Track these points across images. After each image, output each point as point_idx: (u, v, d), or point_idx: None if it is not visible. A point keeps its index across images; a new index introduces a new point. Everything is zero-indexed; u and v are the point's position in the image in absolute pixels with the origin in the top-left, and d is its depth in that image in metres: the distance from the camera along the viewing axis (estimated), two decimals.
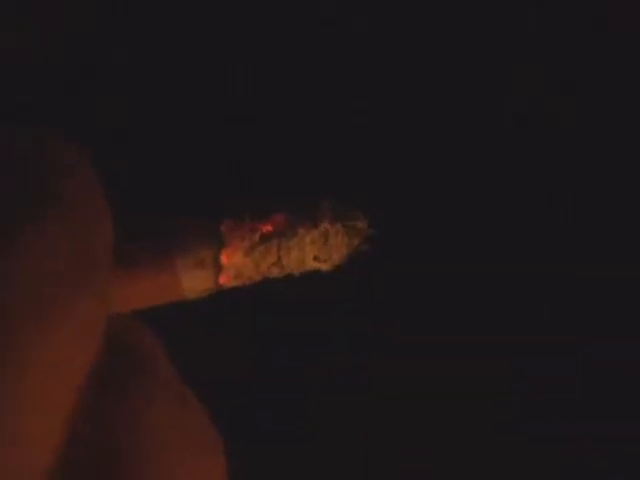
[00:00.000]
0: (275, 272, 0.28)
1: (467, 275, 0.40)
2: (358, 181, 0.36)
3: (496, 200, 0.40)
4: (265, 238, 0.27)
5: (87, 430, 0.22)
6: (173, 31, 0.38)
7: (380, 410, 0.40)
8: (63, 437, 0.20)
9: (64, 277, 0.20)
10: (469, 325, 0.40)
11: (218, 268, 0.27)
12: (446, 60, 0.40)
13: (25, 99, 0.35)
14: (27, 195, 0.21)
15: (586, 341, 0.40)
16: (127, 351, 0.25)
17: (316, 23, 0.40)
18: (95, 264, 0.21)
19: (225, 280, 0.27)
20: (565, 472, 0.40)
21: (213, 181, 0.33)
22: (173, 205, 0.35)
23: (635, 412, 0.40)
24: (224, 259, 0.27)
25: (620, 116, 0.40)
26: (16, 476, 0.19)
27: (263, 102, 0.39)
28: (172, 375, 0.25)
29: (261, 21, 0.39)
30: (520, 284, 0.40)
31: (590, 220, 0.40)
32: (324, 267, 0.28)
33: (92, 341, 0.21)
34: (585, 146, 0.41)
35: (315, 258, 0.28)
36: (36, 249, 0.20)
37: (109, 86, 0.39)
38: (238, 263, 0.27)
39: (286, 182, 0.36)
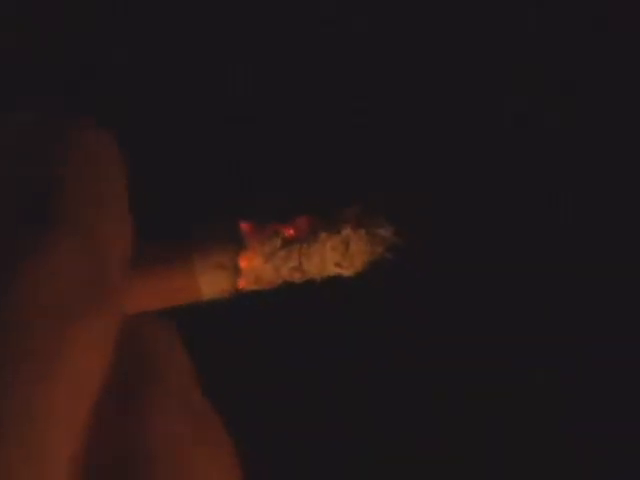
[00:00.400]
0: (296, 277, 0.27)
1: (467, 276, 0.40)
2: (355, 177, 0.36)
3: (496, 200, 0.40)
4: (286, 242, 0.27)
5: (100, 439, 0.22)
6: (173, 31, 0.37)
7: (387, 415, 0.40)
8: (80, 448, 0.20)
9: (79, 294, 0.20)
10: (470, 326, 0.40)
11: (237, 272, 0.27)
12: (446, 60, 0.40)
13: (25, 99, 0.35)
14: (40, 209, 0.21)
15: (588, 341, 0.40)
16: (137, 359, 0.25)
17: (316, 23, 0.39)
18: (110, 280, 0.21)
19: (244, 284, 0.27)
20: (565, 472, 0.41)
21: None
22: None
23: (635, 412, 0.40)
24: (243, 263, 0.27)
25: (620, 116, 0.40)
26: None
27: (263, 102, 0.39)
28: (184, 381, 0.25)
29: (261, 21, 0.39)
30: (520, 284, 0.40)
31: (591, 220, 0.40)
32: (346, 273, 0.28)
33: (106, 354, 0.21)
34: (585, 146, 0.41)
35: (336, 264, 0.27)
36: (51, 265, 0.20)
37: (109, 86, 0.39)
38: (258, 267, 0.27)
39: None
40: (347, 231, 0.27)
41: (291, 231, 0.27)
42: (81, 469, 0.21)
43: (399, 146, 0.40)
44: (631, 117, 0.40)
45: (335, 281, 0.27)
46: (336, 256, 0.27)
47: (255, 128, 0.40)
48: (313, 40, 0.39)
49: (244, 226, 0.27)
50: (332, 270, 0.27)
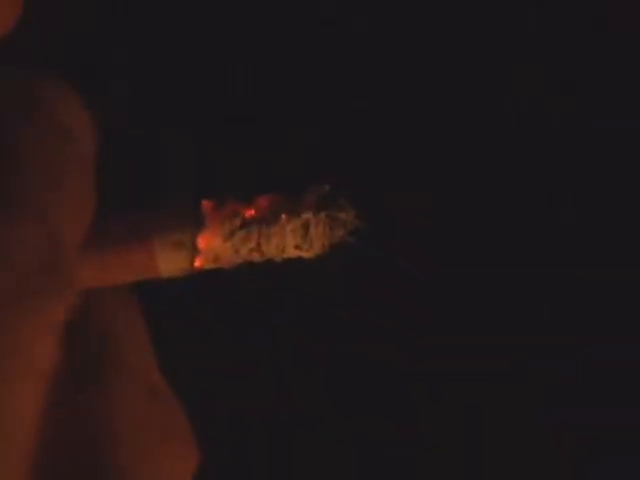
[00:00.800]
0: (255, 257, 0.28)
1: (463, 275, 0.40)
2: (355, 177, 0.36)
3: (495, 200, 0.40)
4: (246, 223, 0.27)
5: (60, 423, 0.22)
6: (173, 31, 0.38)
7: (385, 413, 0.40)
8: (36, 431, 0.20)
9: (31, 280, 0.20)
10: (470, 325, 0.40)
11: (196, 250, 0.27)
12: (446, 60, 0.40)
13: None
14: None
15: (588, 342, 0.40)
16: (96, 339, 0.25)
17: (316, 23, 0.40)
18: (63, 264, 0.21)
19: (202, 263, 0.27)
20: (564, 472, 0.40)
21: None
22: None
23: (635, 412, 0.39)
24: (202, 242, 0.27)
25: (620, 116, 0.40)
26: None
27: (262, 102, 0.39)
28: (144, 362, 0.26)
29: (261, 21, 0.39)
30: (520, 285, 0.40)
31: (592, 221, 0.40)
32: (305, 255, 0.28)
33: (59, 337, 0.21)
34: (585, 146, 0.40)
35: (296, 247, 0.28)
36: (3, 244, 0.20)
37: (109, 86, 0.39)
38: (217, 247, 0.27)
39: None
40: (308, 214, 0.27)
41: (252, 211, 0.27)
42: (42, 453, 0.21)
43: (398, 145, 0.40)
44: (631, 117, 0.40)
45: (296, 263, 0.28)
46: (296, 238, 0.27)
47: (255, 127, 0.40)
48: (313, 40, 0.40)
49: (204, 204, 0.28)
50: (291, 252, 0.28)
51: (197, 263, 0.27)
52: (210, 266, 0.28)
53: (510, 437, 0.40)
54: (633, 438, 0.40)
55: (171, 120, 0.40)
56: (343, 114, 0.40)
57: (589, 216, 0.40)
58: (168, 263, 0.27)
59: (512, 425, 0.40)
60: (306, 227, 0.27)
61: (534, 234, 0.40)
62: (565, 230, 0.40)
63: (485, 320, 0.40)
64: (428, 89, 0.40)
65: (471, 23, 0.41)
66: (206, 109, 0.40)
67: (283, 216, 0.27)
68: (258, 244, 0.27)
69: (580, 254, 0.40)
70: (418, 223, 0.37)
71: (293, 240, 0.27)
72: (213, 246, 0.27)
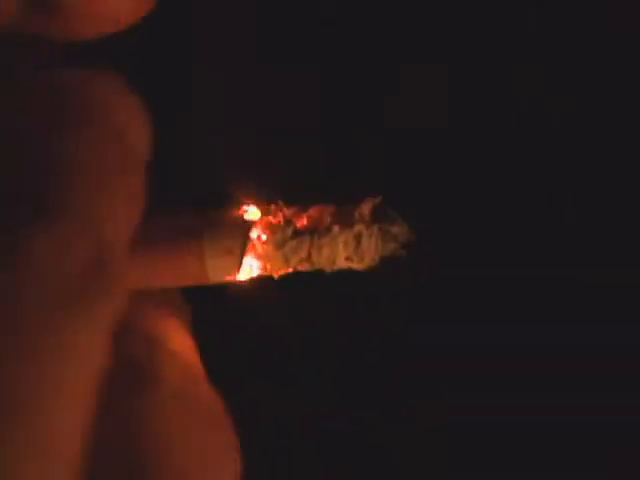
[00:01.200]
0: (305, 267, 0.27)
1: (463, 275, 0.40)
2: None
3: (495, 201, 0.40)
4: (298, 233, 0.27)
5: (102, 432, 0.21)
6: (173, 31, 0.37)
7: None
8: (88, 436, 0.20)
9: (76, 282, 0.20)
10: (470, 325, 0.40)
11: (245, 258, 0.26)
12: (446, 60, 0.40)
13: None
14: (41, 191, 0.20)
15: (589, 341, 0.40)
16: (133, 347, 0.25)
17: (316, 23, 0.39)
18: (110, 265, 0.21)
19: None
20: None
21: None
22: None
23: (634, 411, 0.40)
24: (253, 250, 0.27)
25: (620, 116, 0.40)
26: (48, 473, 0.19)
27: (263, 101, 0.38)
28: (187, 376, 0.25)
29: (261, 21, 0.38)
30: (520, 285, 0.40)
31: (592, 221, 0.40)
32: (356, 267, 0.27)
33: (107, 339, 0.20)
34: (585, 146, 0.40)
35: (347, 258, 0.27)
36: (43, 253, 0.19)
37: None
38: (267, 255, 0.27)
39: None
40: (360, 226, 0.27)
41: (304, 221, 0.27)
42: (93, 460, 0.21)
43: (398, 145, 0.39)
44: (632, 117, 0.40)
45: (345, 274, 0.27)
46: (347, 250, 0.27)
47: (256, 127, 0.39)
48: (313, 40, 0.39)
49: (256, 212, 0.27)
50: (342, 263, 0.27)
51: None
52: (259, 274, 0.27)
53: (511, 437, 0.40)
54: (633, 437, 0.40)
55: (173, 119, 0.39)
56: (343, 114, 0.40)
57: (589, 216, 0.40)
58: (218, 269, 0.26)
59: (512, 425, 0.40)
60: (358, 239, 0.27)
61: (534, 234, 0.40)
62: (565, 230, 0.40)
63: (485, 320, 0.40)
64: (428, 89, 0.40)
65: (471, 23, 0.40)
66: (206, 109, 0.39)
67: (335, 227, 0.27)
68: (309, 254, 0.27)
69: (580, 254, 0.40)
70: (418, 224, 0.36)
71: (345, 252, 0.27)
72: (263, 254, 0.27)
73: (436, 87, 0.40)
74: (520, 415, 0.39)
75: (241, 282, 0.27)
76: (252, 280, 0.27)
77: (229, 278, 0.27)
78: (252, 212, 0.27)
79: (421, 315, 0.39)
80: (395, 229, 0.27)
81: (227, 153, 0.35)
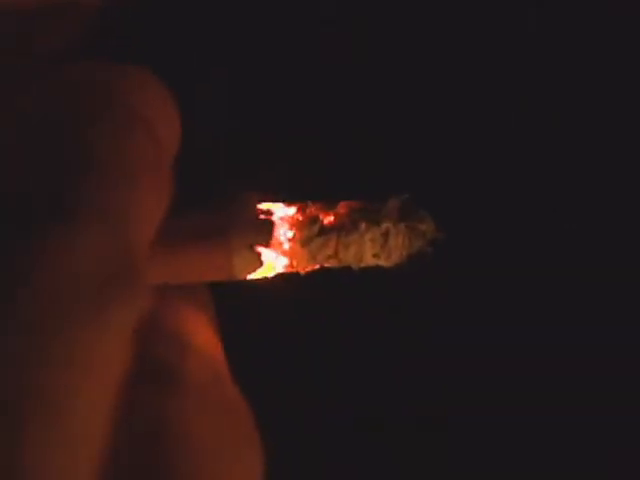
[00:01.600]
0: (332, 264, 0.27)
1: (463, 275, 0.39)
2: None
3: (496, 201, 0.39)
4: (325, 230, 0.27)
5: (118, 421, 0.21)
6: (173, 31, 0.37)
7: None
8: (107, 438, 0.20)
9: (101, 281, 0.19)
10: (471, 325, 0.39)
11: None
12: (446, 60, 0.39)
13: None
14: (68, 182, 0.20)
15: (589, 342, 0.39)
16: (156, 344, 0.25)
17: (316, 23, 0.39)
18: (135, 265, 0.20)
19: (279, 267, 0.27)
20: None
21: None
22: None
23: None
24: (280, 246, 0.27)
25: (621, 116, 0.39)
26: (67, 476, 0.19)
27: (262, 101, 0.38)
28: (208, 375, 0.25)
29: (261, 21, 0.39)
30: (521, 285, 0.39)
31: (593, 222, 0.39)
32: (383, 264, 0.27)
33: (125, 340, 0.20)
34: (585, 146, 0.40)
35: (374, 256, 0.27)
36: (67, 253, 0.19)
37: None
38: (294, 252, 0.27)
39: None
40: (387, 224, 0.27)
41: (331, 218, 0.27)
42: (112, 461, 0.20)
43: (398, 145, 0.39)
44: (632, 117, 0.39)
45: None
46: (375, 248, 0.27)
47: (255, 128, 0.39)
48: (313, 40, 0.39)
49: (284, 209, 0.27)
50: (369, 261, 0.27)
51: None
52: (285, 271, 0.27)
53: (511, 437, 0.39)
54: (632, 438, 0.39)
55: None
56: (342, 114, 0.39)
57: (588, 216, 0.39)
58: (244, 265, 0.26)
59: (512, 425, 0.40)
60: (385, 237, 0.27)
61: (534, 234, 0.40)
62: (565, 231, 0.40)
63: (485, 320, 0.39)
64: (428, 89, 0.39)
65: (471, 23, 0.40)
66: (206, 108, 0.39)
67: (363, 225, 0.27)
68: (336, 251, 0.27)
69: (580, 254, 0.40)
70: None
71: (372, 249, 0.27)
72: (290, 251, 0.27)
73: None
74: (520, 415, 0.39)
75: (267, 279, 0.27)
76: (278, 276, 0.27)
77: (255, 274, 0.27)
78: (279, 209, 0.27)
79: (426, 313, 0.39)
80: (423, 227, 0.27)
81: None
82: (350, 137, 0.37)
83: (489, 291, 0.39)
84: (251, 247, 0.26)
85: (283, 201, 0.27)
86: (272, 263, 0.27)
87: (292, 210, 0.27)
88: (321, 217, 0.27)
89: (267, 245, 0.26)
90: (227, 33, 0.38)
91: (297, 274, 0.27)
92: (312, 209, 0.27)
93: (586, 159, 0.39)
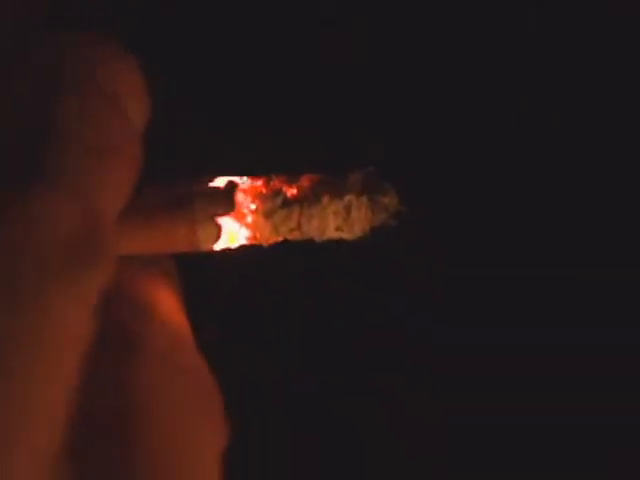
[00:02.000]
0: (295, 237, 0.27)
1: (463, 275, 0.40)
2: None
3: (496, 201, 0.40)
4: (288, 202, 0.27)
5: (82, 390, 0.21)
6: (173, 30, 0.37)
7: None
8: (68, 403, 0.20)
9: (66, 248, 0.20)
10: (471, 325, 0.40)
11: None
12: (446, 60, 0.39)
13: None
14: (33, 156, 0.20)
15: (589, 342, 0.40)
16: (119, 312, 0.25)
17: (316, 23, 0.39)
18: (101, 233, 0.21)
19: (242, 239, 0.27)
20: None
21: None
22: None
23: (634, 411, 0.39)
24: (243, 218, 0.27)
25: (621, 116, 0.40)
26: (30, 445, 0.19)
27: (262, 101, 0.38)
28: (173, 340, 0.25)
29: (261, 21, 0.39)
30: (520, 285, 0.40)
31: (593, 222, 0.40)
32: (346, 237, 0.27)
33: (94, 306, 0.20)
34: (585, 146, 0.40)
35: (337, 228, 0.27)
36: (32, 218, 0.19)
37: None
38: (257, 224, 0.27)
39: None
40: (350, 197, 0.27)
41: (294, 190, 0.27)
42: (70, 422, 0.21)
43: (399, 145, 0.39)
44: (632, 117, 0.40)
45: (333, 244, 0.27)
46: (337, 220, 0.27)
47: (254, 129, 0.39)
48: (313, 40, 0.39)
49: (247, 181, 0.27)
50: (332, 234, 0.27)
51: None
52: (248, 243, 0.27)
53: (511, 437, 0.40)
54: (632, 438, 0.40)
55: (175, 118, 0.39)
56: (342, 114, 0.40)
57: (589, 216, 0.40)
58: (207, 237, 0.26)
59: (512, 425, 0.40)
60: (348, 209, 0.27)
61: (534, 235, 0.40)
62: (565, 231, 0.40)
63: (486, 320, 0.40)
64: (428, 90, 0.40)
65: (471, 23, 0.40)
66: (206, 109, 0.39)
67: (325, 197, 0.27)
68: (299, 224, 0.27)
69: (580, 254, 0.40)
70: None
71: (334, 222, 0.27)
72: (253, 223, 0.27)
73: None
74: (520, 415, 0.39)
75: (231, 250, 0.27)
76: (241, 248, 0.27)
77: (218, 245, 0.27)
78: (242, 181, 0.27)
79: (424, 311, 0.39)
80: (385, 200, 0.27)
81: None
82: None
83: (489, 291, 0.39)
84: (214, 218, 0.26)
85: (247, 174, 0.27)
86: (235, 235, 0.27)
87: (256, 183, 0.27)
88: (284, 190, 0.27)
89: (230, 215, 0.26)
90: (227, 33, 0.38)
91: (260, 246, 0.27)
92: (276, 182, 0.27)
93: (586, 159, 0.40)
